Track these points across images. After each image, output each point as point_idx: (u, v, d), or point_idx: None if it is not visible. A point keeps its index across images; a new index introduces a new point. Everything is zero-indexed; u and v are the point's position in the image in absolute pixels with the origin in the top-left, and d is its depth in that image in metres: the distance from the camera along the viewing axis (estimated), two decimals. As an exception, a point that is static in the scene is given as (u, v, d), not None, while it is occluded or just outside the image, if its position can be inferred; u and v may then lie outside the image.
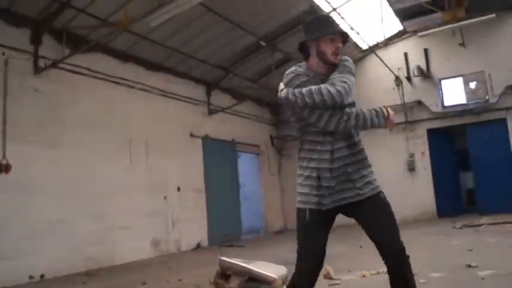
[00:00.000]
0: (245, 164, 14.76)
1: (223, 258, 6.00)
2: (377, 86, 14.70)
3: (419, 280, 5.00)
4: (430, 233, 10.27)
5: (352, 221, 2.87)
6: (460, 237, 9.06)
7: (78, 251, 8.43)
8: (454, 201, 14.56)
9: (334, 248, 9.08)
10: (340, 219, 2.90)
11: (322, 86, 2.64)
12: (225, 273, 5.87)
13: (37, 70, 8.24)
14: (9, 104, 7.70)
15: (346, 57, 2.88)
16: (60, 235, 8.13)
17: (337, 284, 5.57)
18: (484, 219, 11.29)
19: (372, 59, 14.35)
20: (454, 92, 14.08)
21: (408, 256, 2.74)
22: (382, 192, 2.82)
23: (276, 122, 16.19)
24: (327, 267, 6.10)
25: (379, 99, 14.30)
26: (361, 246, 8.94)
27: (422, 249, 8.04)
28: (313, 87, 2.64)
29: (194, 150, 12.08)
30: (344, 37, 2.88)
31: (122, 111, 9.91)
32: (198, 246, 11.65)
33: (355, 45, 14.08)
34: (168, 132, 11.20)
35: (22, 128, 7.84)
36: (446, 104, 14.11)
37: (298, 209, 2.96)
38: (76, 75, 8.93)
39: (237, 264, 5.84)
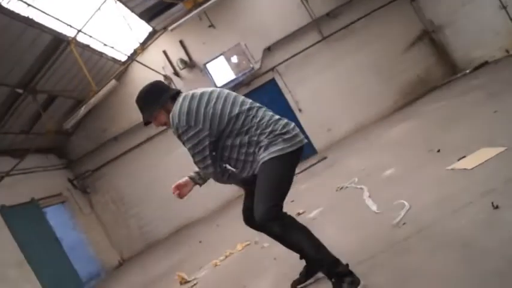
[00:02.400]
0: (56, 216, 14.39)
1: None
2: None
3: (263, 245, 5.80)
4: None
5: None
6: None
7: None
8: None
9: (174, 255, 9.83)
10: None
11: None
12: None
13: None
14: None
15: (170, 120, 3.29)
16: None
17: (195, 284, 6.09)
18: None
19: (136, 67, 14.99)
20: (221, 71, 15.57)
21: (279, 223, 3.07)
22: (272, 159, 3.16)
23: (68, 164, 16.05)
24: (178, 274, 6.62)
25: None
26: (200, 241, 9.79)
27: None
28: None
29: (-5, 226, 11.45)
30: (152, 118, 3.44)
31: None
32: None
33: (114, 60, 14.59)
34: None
35: None
36: (218, 84, 15.44)
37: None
38: None
39: None
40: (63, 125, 12.36)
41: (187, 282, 6.39)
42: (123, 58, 15.00)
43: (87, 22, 11.51)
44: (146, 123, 3.49)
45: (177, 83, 15.49)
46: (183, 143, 3.25)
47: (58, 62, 12.09)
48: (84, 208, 15.51)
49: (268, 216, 3.00)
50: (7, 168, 12.35)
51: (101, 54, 13.50)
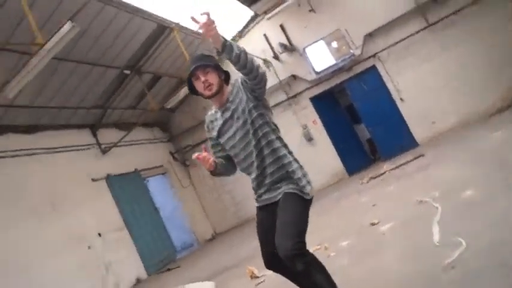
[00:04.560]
0: (157, 187, 15.41)
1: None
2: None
3: (330, 254, 5.90)
4: (340, 196, 11.22)
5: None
6: (367, 192, 10.03)
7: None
8: (359, 156, 15.85)
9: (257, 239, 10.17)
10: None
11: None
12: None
13: None
14: None
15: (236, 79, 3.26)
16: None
17: (262, 281, 6.23)
18: (386, 166, 12.35)
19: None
20: (321, 56, 15.28)
21: (304, 260, 3.00)
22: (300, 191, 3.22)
23: (170, 138, 16.95)
24: (249, 268, 6.79)
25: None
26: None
27: (333, 217, 8.97)
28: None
29: (101, 193, 12.52)
30: (207, 66, 3.21)
31: (14, 183, 10.20)
32: (138, 281, 12.17)
33: None
34: (70, 186, 11.57)
35: None
36: (318, 69, 15.25)
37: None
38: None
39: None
40: (165, 105, 13.09)
41: (256, 277, 6.57)
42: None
43: (189, 8, 11.92)
44: (191, 85, 3.35)
45: (277, 67, 15.57)
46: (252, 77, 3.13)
47: (162, 46, 12.78)
48: (183, 180, 16.39)
49: (297, 251, 2.95)
50: (115, 139, 13.41)
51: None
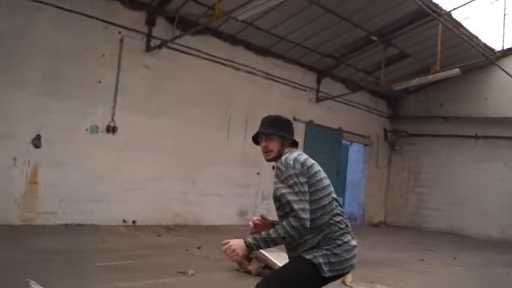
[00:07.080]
0: (353, 152, 15.35)
1: (249, 242, 7.15)
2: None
3: None
4: (503, 261, 9.91)
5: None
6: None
7: (168, 207, 10.17)
8: None
9: (398, 252, 9.53)
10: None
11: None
12: (249, 256, 7.05)
13: (149, 48, 9.77)
14: (122, 77, 9.34)
15: (281, 159, 3.08)
16: (154, 190, 9.85)
17: None
18: None
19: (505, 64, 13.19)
20: None
21: None
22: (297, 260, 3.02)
23: (391, 116, 16.37)
24: (347, 277, 6.68)
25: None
26: (422, 259, 9.27)
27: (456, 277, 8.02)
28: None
29: (296, 134, 12.98)
30: (272, 134, 3.15)
31: (224, 91, 11.21)
32: (282, 220, 12.83)
33: (484, 47, 13.03)
34: (270, 114, 12.26)
35: (130, 98, 9.48)
36: None
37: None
38: (184, 54, 10.32)
39: (259, 251, 6.98)
40: (393, 85, 12.61)
41: (345, 285, 6.26)
42: (497, 48, 13.16)
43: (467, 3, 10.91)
44: (256, 137, 3.30)
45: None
46: (279, 188, 3.02)
47: (420, 29, 12.03)
48: (381, 160, 15.98)
49: None
50: (335, 93, 13.75)
51: (469, 37, 12.51)
